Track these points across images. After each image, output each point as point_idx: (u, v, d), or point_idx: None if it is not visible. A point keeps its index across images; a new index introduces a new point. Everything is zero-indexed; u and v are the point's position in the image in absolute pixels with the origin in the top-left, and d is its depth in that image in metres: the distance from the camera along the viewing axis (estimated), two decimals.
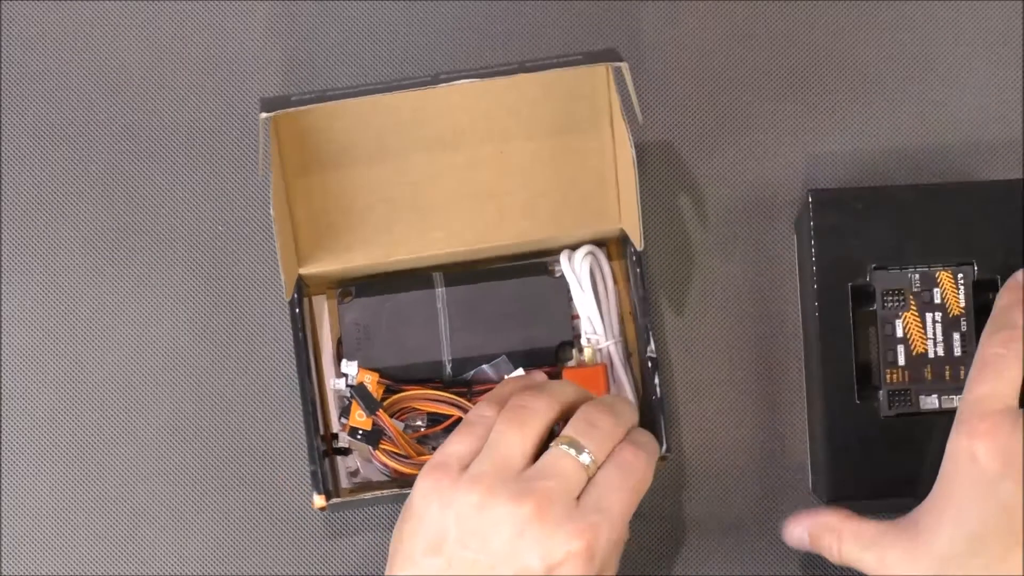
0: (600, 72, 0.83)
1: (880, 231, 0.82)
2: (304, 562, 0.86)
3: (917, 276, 0.82)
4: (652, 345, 0.82)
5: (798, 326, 0.86)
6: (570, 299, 0.84)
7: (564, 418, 0.75)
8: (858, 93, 0.89)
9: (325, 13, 0.89)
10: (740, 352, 0.87)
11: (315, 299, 0.86)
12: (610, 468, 0.72)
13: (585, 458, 0.72)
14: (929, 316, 0.82)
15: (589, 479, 0.72)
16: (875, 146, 0.88)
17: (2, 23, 0.89)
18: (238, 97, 0.89)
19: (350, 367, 0.83)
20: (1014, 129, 0.88)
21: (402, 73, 0.88)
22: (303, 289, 0.84)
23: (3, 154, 0.88)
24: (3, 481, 0.86)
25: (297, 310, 0.83)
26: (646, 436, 0.75)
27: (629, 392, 0.84)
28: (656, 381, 0.82)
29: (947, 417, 0.78)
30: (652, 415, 0.82)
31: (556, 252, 0.85)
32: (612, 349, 0.84)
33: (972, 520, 0.73)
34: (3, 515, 0.86)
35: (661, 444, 0.79)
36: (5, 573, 0.86)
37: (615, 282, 0.85)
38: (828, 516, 0.78)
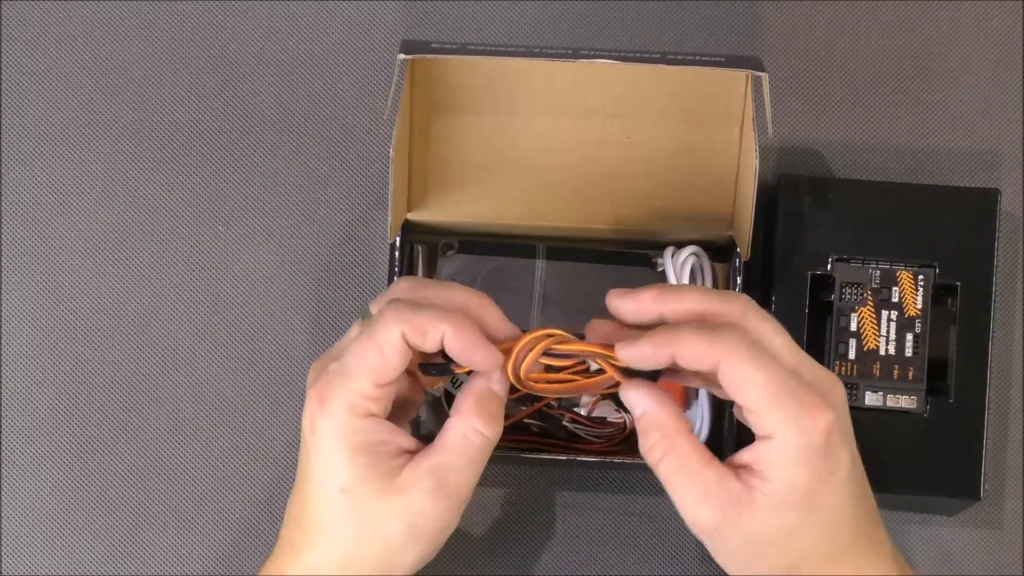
0: (739, 77, 0.83)
1: (847, 223, 0.83)
2: None
3: (878, 272, 0.82)
4: None
5: None
6: None
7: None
8: (858, 93, 0.89)
9: (325, 13, 0.89)
10: None
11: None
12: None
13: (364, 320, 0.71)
14: (885, 313, 0.82)
15: None
16: (874, 146, 0.88)
17: (2, 23, 0.89)
18: (238, 97, 0.89)
19: None
20: (1014, 129, 0.88)
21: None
22: (407, 234, 0.84)
23: (3, 154, 0.88)
24: (3, 481, 0.86)
25: (397, 253, 0.83)
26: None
27: (704, 395, 0.83)
28: None
29: (889, 414, 0.81)
30: (724, 420, 0.82)
31: (660, 246, 0.84)
32: None
33: None
34: (3, 515, 0.86)
35: (723, 456, 0.79)
36: (5, 573, 0.86)
37: (715, 287, 0.84)
38: (661, 407, 0.70)
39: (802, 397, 0.68)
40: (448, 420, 0.71)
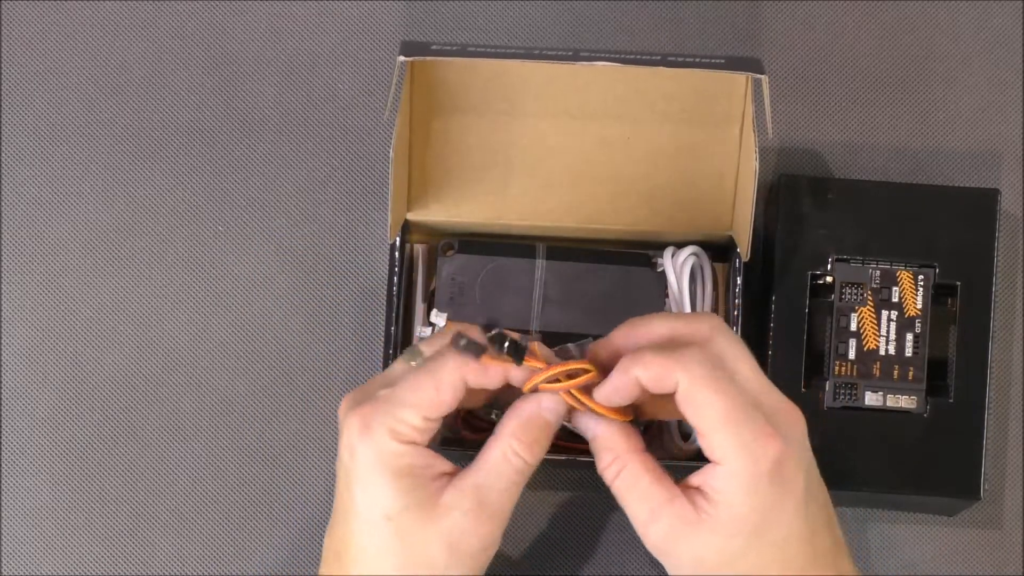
0: (739, 78, 0.83)
1: (847, 223, 0.83)
2: (304, 561, 0.86)
3: (878, 272, 0.83)
4: None
5: None
6: (666, 296, 0.84)
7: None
8: (858, 93, 0.89)
9: (325, 13, 0.89)
10: None
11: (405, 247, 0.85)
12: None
13: (413, 361, 0.71)
14: (885, 313, 0.82)
15: None
16: (874, 146, 0.88)
17: (2, 23, 0.89)
18: (238, 97, 0.89)
19: (439, 318, 0.83)
20: (1014, 129, 0.88)
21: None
22: (407, 234, 0.84)
23: (3, 154, 0.88)
24: (3, 481, 0.86)
25: (397, 253, 0.82)
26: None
27: None
28: None
29: (889, 414, 0.81)
30: None
31: (660, 246, 0.84)
32: None
33: None
34: (3, 515, 0.86)
35: None
36: (5, 573, 0.86)
37: (715, 288, 0.85)
38: (610, 428, 0.71)
39: (756, 425, 0.67)
40: (489, 439, 0.70)
